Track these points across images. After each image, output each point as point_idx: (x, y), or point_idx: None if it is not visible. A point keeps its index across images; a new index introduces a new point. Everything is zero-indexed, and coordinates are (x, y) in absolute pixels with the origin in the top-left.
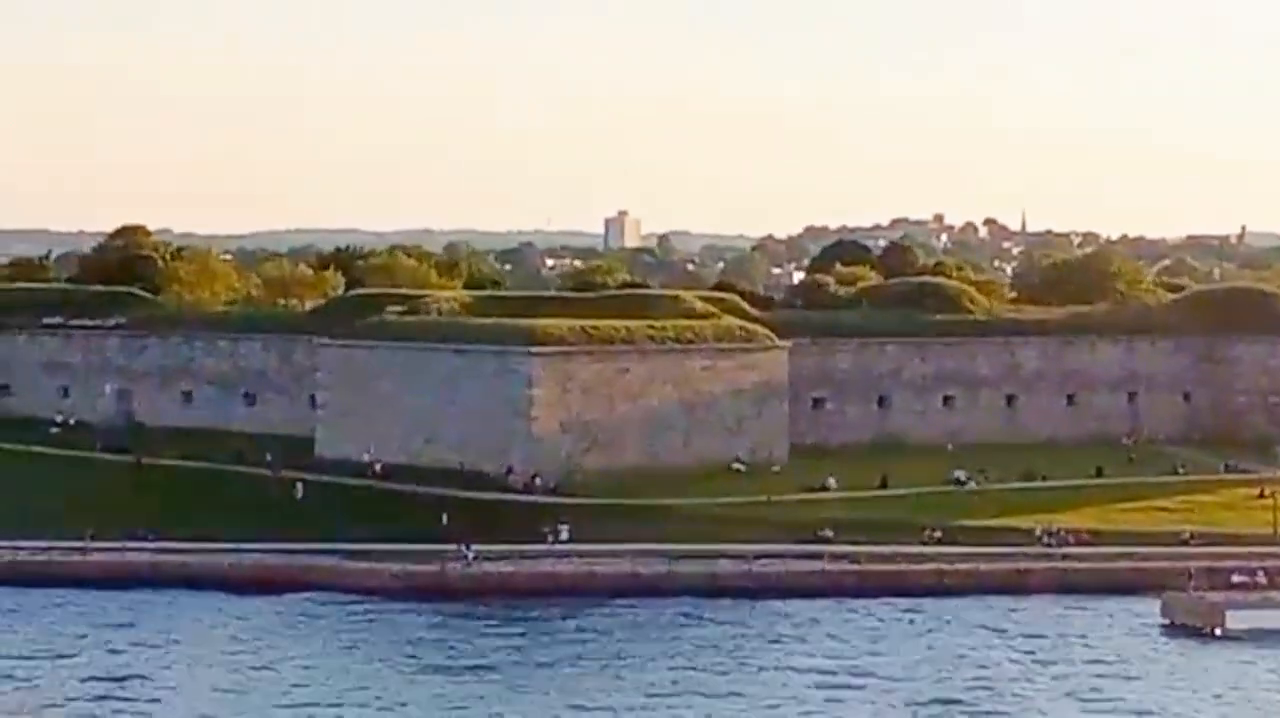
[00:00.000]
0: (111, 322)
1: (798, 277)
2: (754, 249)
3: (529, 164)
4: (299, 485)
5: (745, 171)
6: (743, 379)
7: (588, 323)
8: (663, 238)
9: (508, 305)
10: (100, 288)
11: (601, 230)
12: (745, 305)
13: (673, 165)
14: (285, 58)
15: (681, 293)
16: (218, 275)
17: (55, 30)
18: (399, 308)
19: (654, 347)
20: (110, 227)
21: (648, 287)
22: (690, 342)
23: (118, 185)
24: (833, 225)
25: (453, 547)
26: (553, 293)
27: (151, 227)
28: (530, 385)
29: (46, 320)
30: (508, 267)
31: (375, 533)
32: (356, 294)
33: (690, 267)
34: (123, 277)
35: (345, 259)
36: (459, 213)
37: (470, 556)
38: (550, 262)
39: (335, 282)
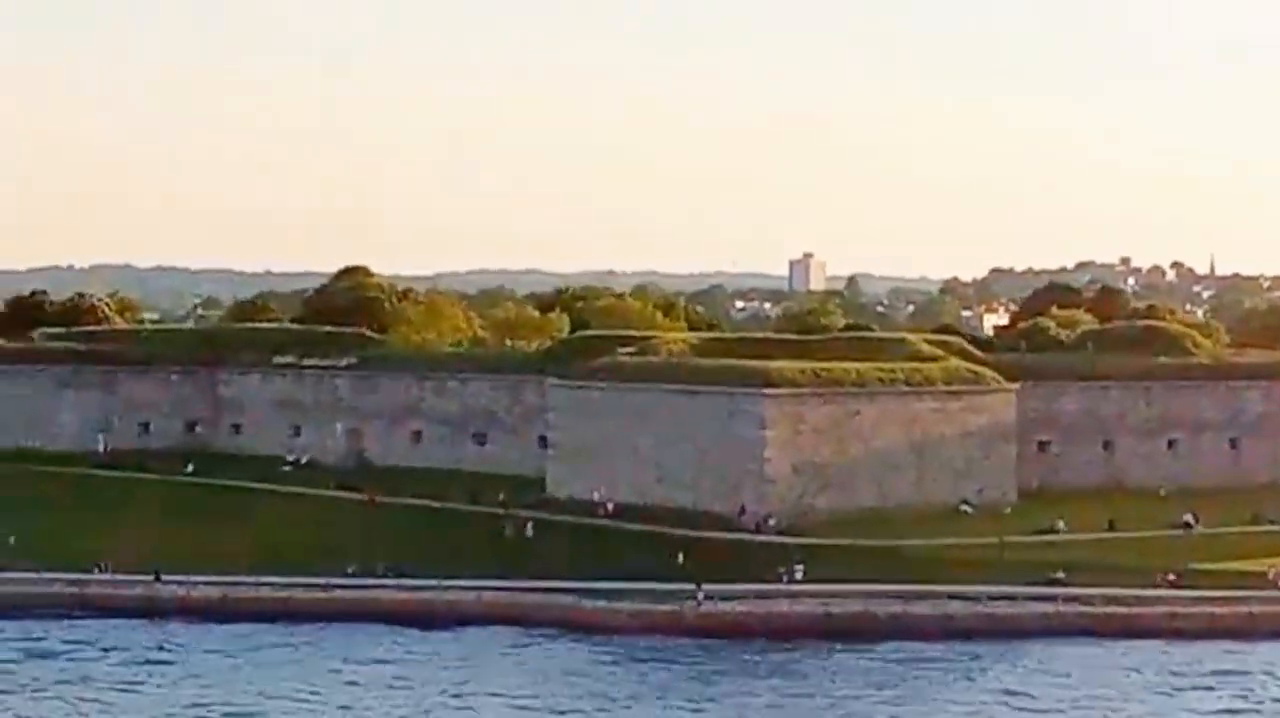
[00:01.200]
0: (343, 362)
1: (989, 319)
2: (942, 291)
3: (712, 205)
4: (530, 524)
5: (927, 214)
6: (971, 422)
7: (819, 365)
8: (851, 280)
9: (734, 347)
10: (331, 328)
11: (784, 272)
12: (970, 348)
13: (856, 207)
14: (469, 94)
15: (907, 335)
16: (445, 316)
17: (227, 77)
18: (629, 349)
19: (884, 389)
20: (295, 267)
21: (871, 329)
22: (919, 384)
23: (297, 225)
24: (1018, 268)
25: (687, 586)
26: (779, 335)
27: (333, 267)
28: (763, 427)
29: (278, 360)
30: (699, 308)
31: (606, 572)
32: (585, 335)
33: (880, 309)
34: (349, 317)
35: (565, 300)
36: (641, 254)
37: (701, 595)
38: (739, 303)
39: (561, 323)
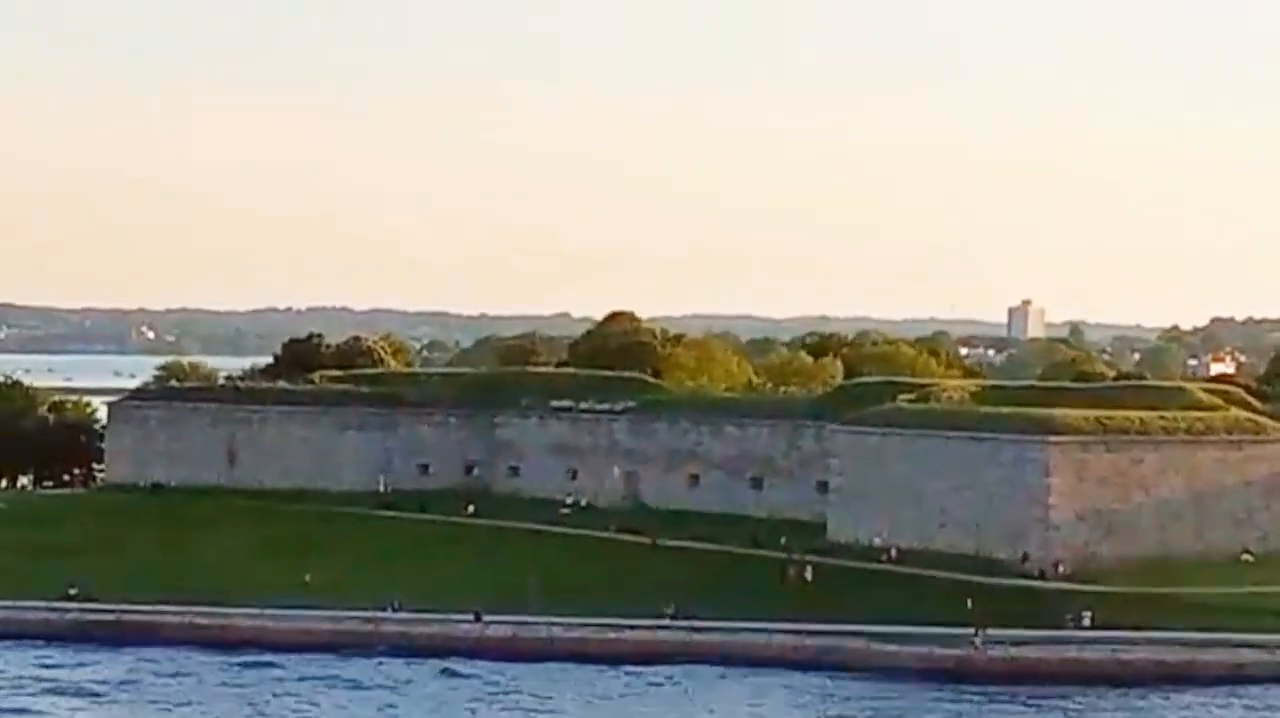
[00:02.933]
0: (620, 405)
1: (1215, 368)
2: (1167, 339)
3: (927, 250)
4: (809, 568)
5: (1147, 262)
6: (1252, 470)
7: (1101, 413)
8: (1074, 328)
9: (1012, 395)
10: (608, 373)
11: (999, 318)
12: (1249, 398)
13: (1074, 254)
14: (689, 140)
15: (1185, 384)
16: (718, 361)
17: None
18: (909, 396)
19: (1167, 438)
20: (509, 310)
21: (1144, 378)
22: (1201, 433)
23: (517, 269)
24: (1239, 316)
25: (973, 631)
26: (1056, 383)
27: (546, 311)
28: (1048, 474)
29: (555, 404)
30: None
31: (888, 616)
32: (865, 382)
33: (1105, 356)
34: (619, 361)
35: (828, 346)
36: (853, 299)
37: (978, 640)
38: (964, 350)
39: (834, 369)
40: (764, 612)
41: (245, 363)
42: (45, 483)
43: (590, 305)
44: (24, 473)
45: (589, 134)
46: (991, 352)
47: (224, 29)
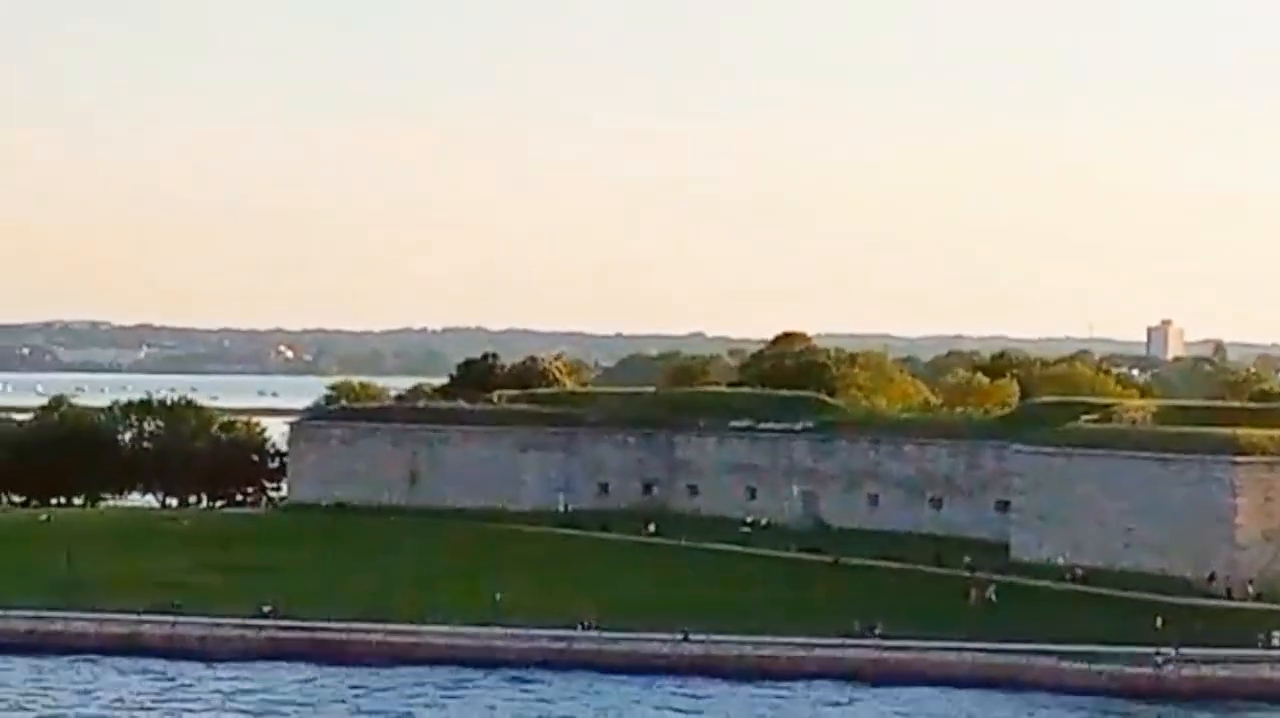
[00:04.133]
0: (799, 425)
1: None
2: None
3: (1063, 269)
4: (993, 587)
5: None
6: None
7: None
8: (1218, 346)
9: (1193, 415)
10: (785, 393)
11: (1137, 337)
12: None
13: (1213, 273)
14: (811, 158)
15: None
16: (894, 381)
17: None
18: (1092, 416)
19: None
20: (651, 330)
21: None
22: None
23: (651, 290)
24: None
25: (1163, 649)
26: (1237, 403)
27: (683, 330)
28: (1234, 494)
29: (734, 424)
30: None
31: (1073, 636)
32: (1046, 402)
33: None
34: (792, 381)
35: (1000, 366)
36: (988, 318)
37: (1160, 660)
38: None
39: (1010, 389)
40: (948, 631)
41: (404, 383)
42: (216, 502)
43: (723, 325)
44: (197, 492)
45: (721, 161)
46: (1135, 371)
47: (355, 61)
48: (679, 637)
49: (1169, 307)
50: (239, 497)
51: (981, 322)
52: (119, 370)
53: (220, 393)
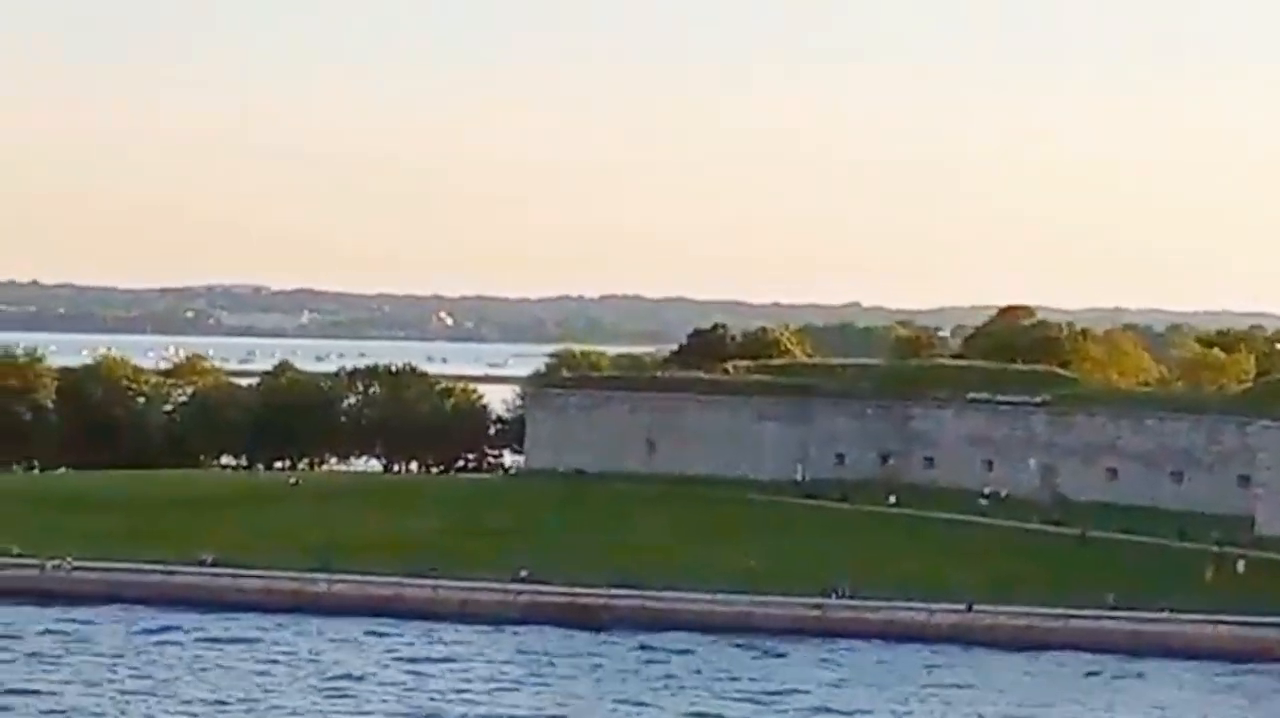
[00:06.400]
0: (1037, 398)
1: None
2: None
3: (1222, 240)
4: (1240, 561)
5: None
6: None
7: None
8: None
9: None
10: (1021, 366)
11: None
12: None
13: None
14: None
15: None
16: (1129, 355)
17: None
18: None
19: None
20: (799, 299)
21: None
22: None
23: (805, 259)
24: None
25: None
26: None
27: (837, 300)
28: None
29: (971, 396)
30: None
31: None
32: None
33: None
34: (1022, 354)
35: (1229, 341)
36: (1146, 291)
37: None
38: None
39: (1248, 364)
40: (1195, 604)
41: (613, 349)
42: (437, 468)
43: (880, 296)
44: (420, 458)
45: (879, 128)
46: None
47: (525, 38)
48: (963, 607)
49: None
50: (461, 463)
51: (1138, 294)
52: (283, 335)
53: (385, 359)
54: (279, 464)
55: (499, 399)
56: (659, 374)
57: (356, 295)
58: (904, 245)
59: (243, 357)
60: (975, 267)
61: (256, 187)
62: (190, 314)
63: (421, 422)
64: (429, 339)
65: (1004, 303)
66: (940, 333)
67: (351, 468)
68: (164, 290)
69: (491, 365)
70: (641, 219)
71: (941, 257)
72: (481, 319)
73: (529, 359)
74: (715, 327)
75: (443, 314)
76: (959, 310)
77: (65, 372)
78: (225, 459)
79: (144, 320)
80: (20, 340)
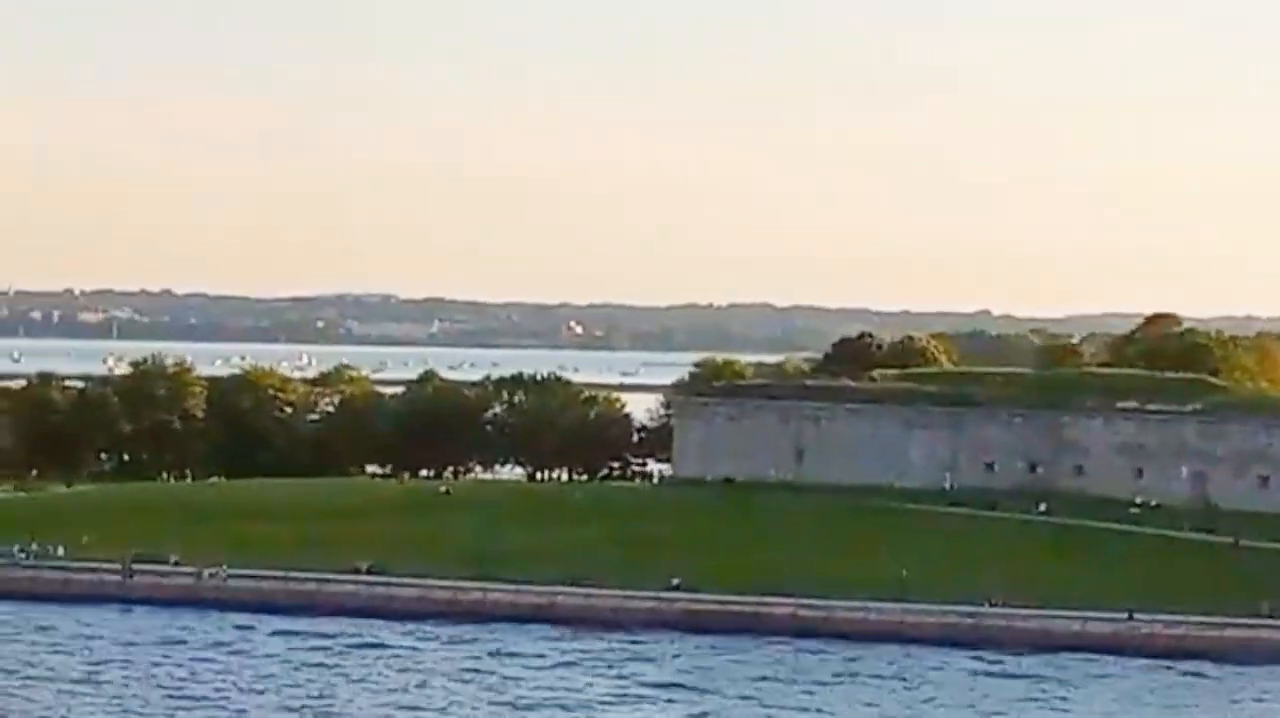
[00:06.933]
0: (1188, 407)
1: None
2: None
3: None
4: None
5: None
6: None
7: None
8: None
9: None
10: (1171, 374)
11: None
12: None
13: None
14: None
15: None
16: (1278, 363)
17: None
18: None
19: None
20: (930, 307)
21: None
22: None
23: (933, 266)
24: None
25: None
26: None
27: (969, 308)
28: None
29: (1121, 405)
30: None
31: None
32: None
33: None
34: (1175, 363)
35: None
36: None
37: None
38: None
39: None
40: None
41: (743, 357)
42: (580, 475)
43: (1009, 303)
44: (563, 466)
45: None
46: None
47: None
48: (1123, 616)
49: None
50: (605, 471)
51: (1272, 300)
52: (413, 344)
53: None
54: (424, 472)
55: (641, 408)
56: (807, 383)
57: (486, 304)
58: (1033, 253)
59: (375, 366)
60: (1105, 274)
61: (387, 198)
62: (321, 324)
63: (566, 430)
64: (558, 348)
65: (1134, 310)
66: (1072, 340)
67: (496, 476)
68: (295, 300)
69: (624, 374)
70: (769, 228)
71: (1071, 264)
72: (610, 327)
73: (660, 368)
74: (861, 335)
75: (572, 323)
76: (1089, 318)
77: (213, 381)
78: (370, 467)
79: (276, 330)
80: (153, 349)
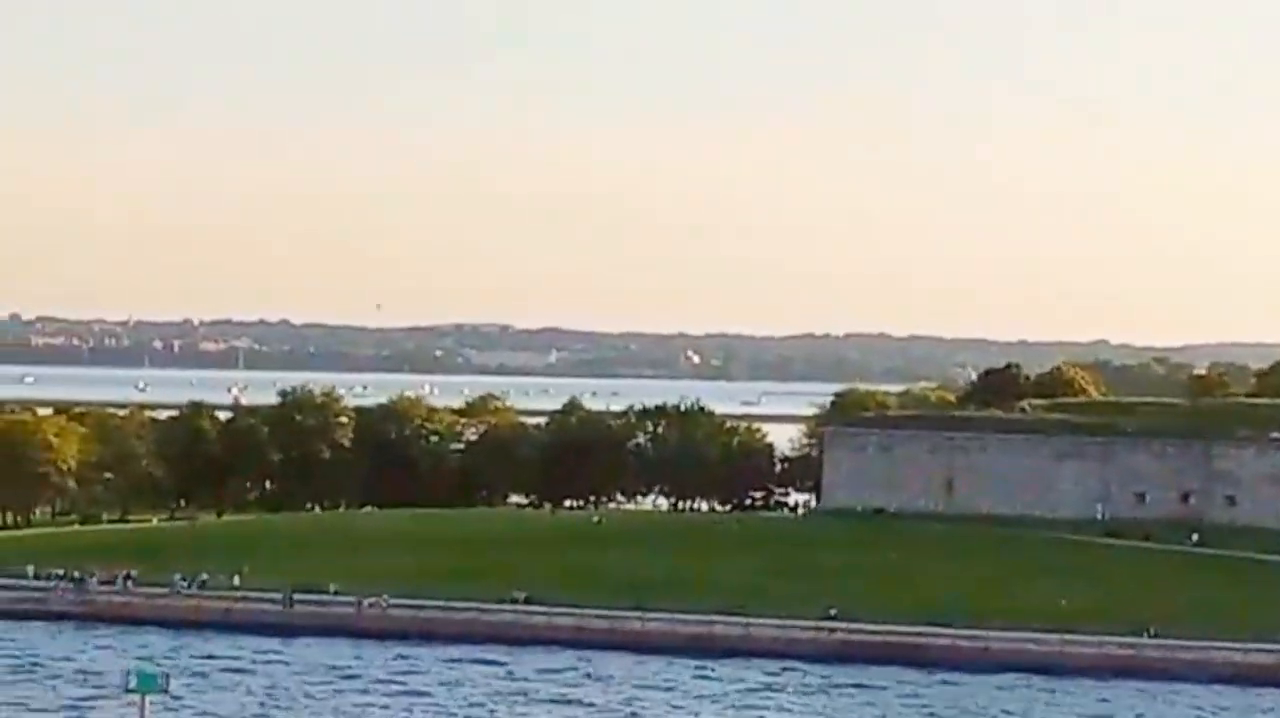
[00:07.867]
0: None
1: None
2: None
3: None
4: None
5: None
6: None
7: None
8: None
9: None
10: None
11: None
12: None
13: None
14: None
15: None
16: None
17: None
18: None
19: None
20: (1052, 337)
21: None
22: None
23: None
24: None
25: None
26: None
27: (1085, 338)
28: None
29: (1274, 435)
30: None
31: None
32: None
33: None
34: None
35: None
36: None
37: None
38: None
39: None
40: None
41: (898, 387)
42: (725, 506)
43: (1126, 333)
44: (707, 496)
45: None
46: None
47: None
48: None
49: None
50: (747, 501)
51: None
52: (530, 373)
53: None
54: (568, 502)
55: (784, 438)
56: (956, 414)
57: (603, 334)
58: (1148, 283)
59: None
60: (1220, 303)
61: (503, 228)
62: (439, 353)
63: (710, 460)
64: (676, 377)
65: (1253, 340)
66: (1197, 369)
67: (639, 506)
68: (412, 329)
69: (744, 403)
70: (886, 257)
71: (1188, 293)
72: (728, 356)
73: (781, 397)
74: (1008, 366)
75: (689, 352)
76: (1208, 347)
77: (359, 411)
78: (514, 497)
79: (396, 360)
80: (275, 378)
